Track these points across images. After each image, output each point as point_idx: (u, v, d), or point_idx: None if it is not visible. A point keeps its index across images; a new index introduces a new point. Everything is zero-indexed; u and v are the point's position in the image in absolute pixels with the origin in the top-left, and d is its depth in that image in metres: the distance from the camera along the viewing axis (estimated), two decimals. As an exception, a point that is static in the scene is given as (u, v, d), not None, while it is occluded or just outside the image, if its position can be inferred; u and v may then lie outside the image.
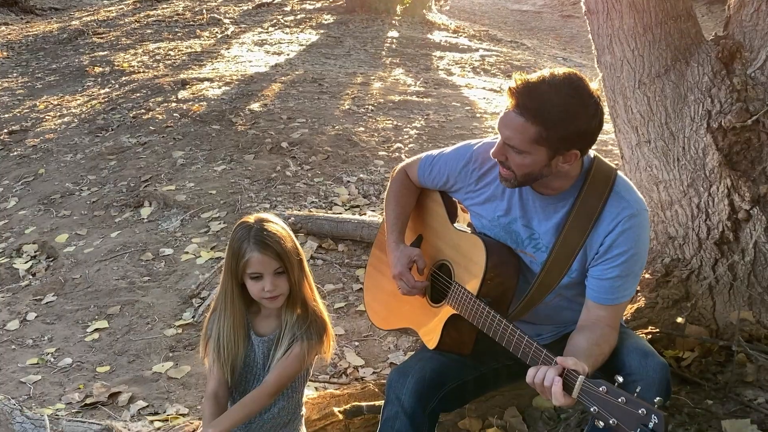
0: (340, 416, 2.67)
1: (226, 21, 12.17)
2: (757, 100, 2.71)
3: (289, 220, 4.27)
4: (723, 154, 2.74)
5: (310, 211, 4.45)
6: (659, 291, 2.84)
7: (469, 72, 8.74)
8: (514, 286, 2.29)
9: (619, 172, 2.18)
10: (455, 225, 2.48)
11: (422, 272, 2.44)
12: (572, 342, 2.09)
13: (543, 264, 2.19)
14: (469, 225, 2.50)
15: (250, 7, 13.45)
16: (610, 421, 1.71)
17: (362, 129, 5.82)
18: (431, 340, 2.36)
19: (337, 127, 5.87)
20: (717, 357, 2.62)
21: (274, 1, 13.94)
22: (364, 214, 4.42)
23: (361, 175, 4.96)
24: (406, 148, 5.39)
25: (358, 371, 3.24)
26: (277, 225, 2.23)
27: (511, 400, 2.74)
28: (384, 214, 2.62)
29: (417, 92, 7.02)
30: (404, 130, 5.79)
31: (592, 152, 2.18)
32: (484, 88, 7.41)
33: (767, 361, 2.50)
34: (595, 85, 2.02)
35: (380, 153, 5.33)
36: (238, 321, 2.27)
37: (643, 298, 2.86)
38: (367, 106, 6.47)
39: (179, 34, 11.20)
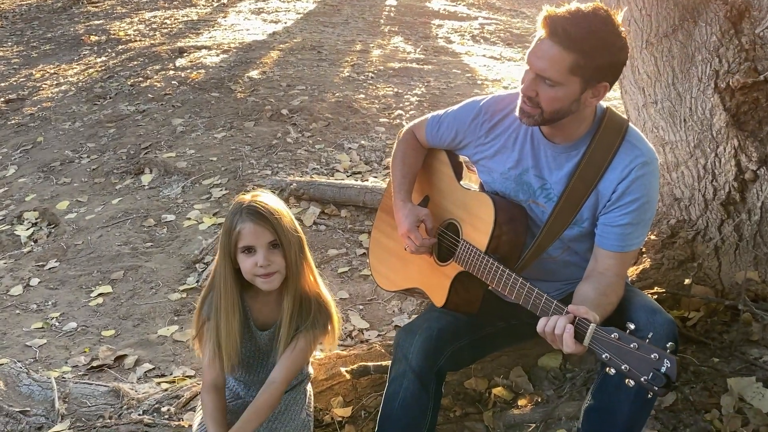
0: (348, 376, 2.68)
1: (223, -12, 12.04)
2: (765, 59, 2.69)
3: (291, 186, 4.27)
4: (730, 114, 2.73)
5: (312, 178, 4.44)
6: (665, 252, 2.84)
7: (468, 40, 8.67)
8: (522, 243, 2.27)
9: (631, 124, 2.17)
10: (462, 183, 2.47)
11: (430, 232, 2.43)
12: (580, 291, 2.08)
13: (551, 210, 2.18)
14: (480, 186, 2.49)
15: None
16: (622, 367, 1.72)
17: (363, 96, 5.79)
18: (439, 298, 2.36)
19: (337, 94, 5.83)
20: (722, 317, 2.63)
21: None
22: (367, 180, 4.41)
23: (363, 142, 4.94)
24: (407, 115, 5.36)
25: (363, 334, 3.26)
26: (273, 201, 2.16)
27: (516, 360, 2.75)
28: (390, 175, 2.60)
29: (417, 59, 6.97)
30: (405, 97, 5.76)
31: (604, 103, 2.18)
32: (484, 56, 7.36)
33: (773, 319, 2.51)
34: (620, 18, 2.01)
35: (381, 120, 5.30)
36: (233, 307, 2.17)
37: (649, 260, 2.86)
38: (367, 74, 6.43)
39: (175, 2, 11.07)
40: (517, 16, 11.20)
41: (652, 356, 1.68)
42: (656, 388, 1.68)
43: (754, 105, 2.71)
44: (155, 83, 6.59)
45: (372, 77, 6.31)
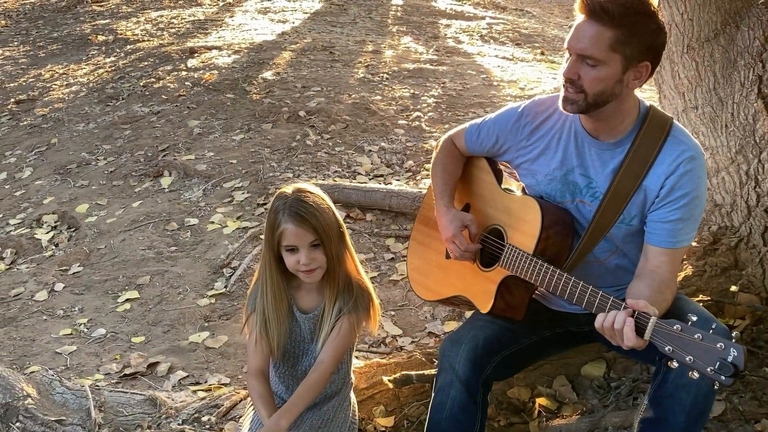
0: (390, 385, 2.65)
1: (227, -12, 12.01)
2: (810, 65, 2.68)
3: (316, 190, 4.24)
4: (774, 120, 2.71)
5: (335, 181, 4.41)
6: (707, 259, 2.83)
7: (477, 40, 8.65)
8: (569, 246, 2.25)
9: (675, 121, 2.16)
10: (504, 188, 2.45)
11: (474, 237, 2.41)
12: (633, 290, 2.05)
13: (597, 208, 2.17)
14: (521, 190, 2.47)
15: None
16: (687, 359, 1.68)
17: (379, 98, 5.76)
18: (484, 304, 2.33)
19: (353, 95, 5.80)
20: (767, 325, 2.62)
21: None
22: (390, 183, 4.38)
23: (383, 144, 4.91)
24: (426, 117, 5.33)
25: (396, 341, 3.23)
26: (315, 196, 2.17)
27: (559, 369, 2.73)
28: (432, 183, 2.58)
29: (430, 60, 6.94)
30: (422, 98, 5.73)
31: (647, 101, 2.17)
32: (496, 56, 7.33)
33: (821, 327, 2.50)
34: (656, 2, 2.01)
35: (400, 122, 5.27)
36: (279, 295, 2.24)
37: (691, 267, 2.84)
38: (381, 75, 6.40)
39: (180, 1, 11.04)
40: (523, 16, 11.19)
41: (718, 346, 1.65)
42: (723, 378, 1.64)
43: (799, 111, 2.70)
44: (168, 84, 6.55)
45: (387, 78, 6.28)
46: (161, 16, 10.00)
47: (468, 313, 3.26)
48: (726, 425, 2.42)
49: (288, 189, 2.18)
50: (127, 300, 3.66)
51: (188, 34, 8.73)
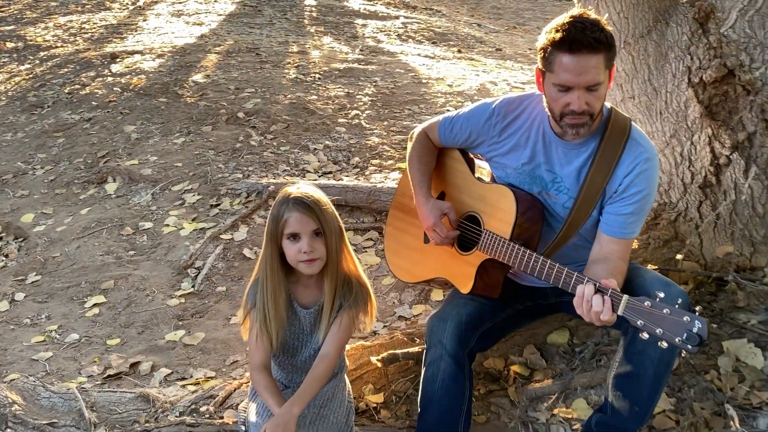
0: (379, 364, 2.84)
1: (134, -9, 11.82)
2: (732, 56, 3.02)
3: (270, 188, 4.36)
4: (703, 106, 3.05)
5: (287, 179, 4.54)
6: (650, 233, 3.15)
7: (395, 39, 8.91)
8: (540, 230, 2.51)
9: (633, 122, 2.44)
10: (477, 176, 2.68)
11: (452, 224, 2.63)
12: (591, 273, 2.30)
13: (572, 205, 2.42)
14: (491, 178, 2.71)
15: (156, -24, 13.06)
16: (657, 331, 1.92)
17: (315, 97, 5.91)
18: (465, 285, 2.55)
19: (289, 96, 5.93)
20: (709, 288, 2.96)
21: (180, -30, 13.58)
22: (340, 179, 4.55)
23: (327, 143, 5.07)
24: (364, 115, 5.53)
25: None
26: (318, 194, 2.33)
27: (528, 339, 2.99)
28: (409, 173, 2.78)
29: (358, 60, 7.13)
30: (357, 97, 5.92)
31: (608, 103, 2.43)
32: (419, 55, 7.60)
33: (755, 287, 2.84)
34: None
35: (340, 120, 5.44)
36: (279, 289, 2.35)
37: (637, 240, 3.15)
38: (313, 75, 6.54)
39: (87, 6, 10.78)
40: (434, 15, 11.53)
41: (684, 319, 1.89)
42: (690, 347, 1.90)
43: (725, 97, 3.04)
44: (96, 90, 6.47)
45: (320, 78, 6.43)
46: (70, 21, 9.75)
47: (434, 294, 3.50)
48: (681, 377, 2.73)
49: (291, 188, 2.33)
50: (95, 305, 3.69)
51: (104, 39, 8.58)
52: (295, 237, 2.29)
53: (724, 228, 3.05)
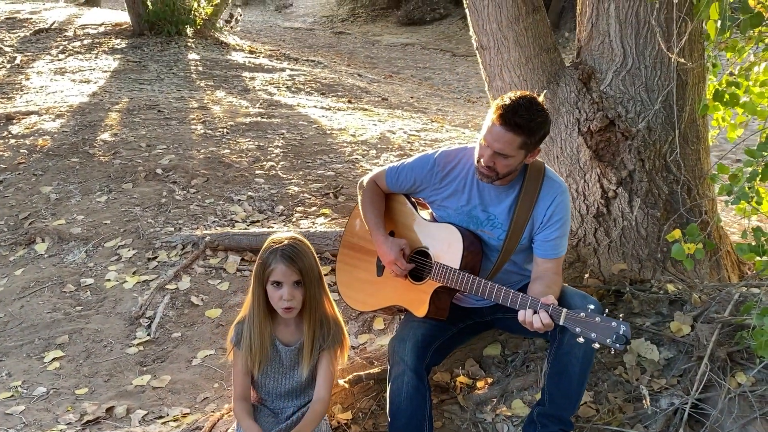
0: (346, 385, 3.25)
1: (8, 49, 11.66)
2: (611, 108, 3.72)
3: (205, 239, 4.68)
4: (592, 150, 3.72)
5: (217, 230, 4.87)
6: (557, 256, 3.75)
7: (285, 91, 9.39)
8: (480, 260, 3.07)
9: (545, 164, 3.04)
10: (423, 217, 3.19)
11: (407, 258, 3.11)
12: (532, 290, 2.87)
13: (505, 236, 2.98)
14: (432, 217, 3.22)
15: (28, 34, 12.90)
16: (591, 335, 2.50)
17: (228, 151, 6.25)
18: (420, 309, 3.04)
19: (202, 150, 6.24)
20: (609, 299, 3.58)
21: (52, 27, 13.47)
22: (271, 227, 4.92)
23: (249, 193, 5.43)
24: (279, 165, 5.93)
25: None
26: (303, 244, 2.75)
27: (467, 354, 3.50)
28: (364, 218, 3.25)
29: (260, 113, 7.53)
30: (268, 149, 6.31)
31: None
32: (315, 107, 8.10)
33: (646, 296, 3.49)
34: (541, 99, 2.85)
35: (257, 172, 5.82)
36: (264, 325, 2.76)
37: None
38: (221, 129, 6.88)
39: (-38, 65, 10.56)
40: (316, 66, 12.10)
41: (613, 324, 2.48)
42: (618, 345, 2.49)
43: (608, 143, 3.72)
44: (0, 152, 6.50)
45: (228, 133, 6.77)
46: (-55, 81, 9.56)
47: (375, 323, 3.95)
48: (595, 374, 3.31)
49: (282, 236, 2.73)
50: (54, 359, 3.85)
51: (-12, 100, 8.51)
52: (278, 284, 2.70)
53: (617, 249, 3.71)
